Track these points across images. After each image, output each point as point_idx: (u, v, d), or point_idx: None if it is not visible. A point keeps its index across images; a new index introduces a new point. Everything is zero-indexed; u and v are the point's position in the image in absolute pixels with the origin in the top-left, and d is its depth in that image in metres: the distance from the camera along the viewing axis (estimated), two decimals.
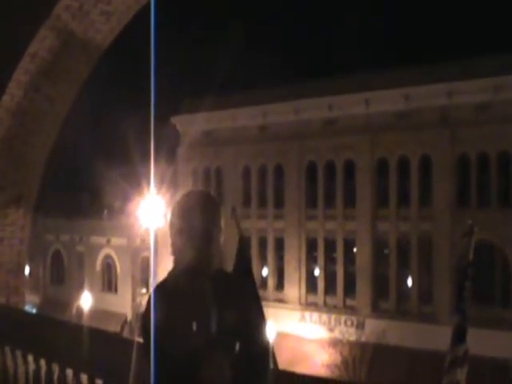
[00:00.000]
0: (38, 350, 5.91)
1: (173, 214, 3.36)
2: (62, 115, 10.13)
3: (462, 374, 4.81)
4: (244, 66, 47.82)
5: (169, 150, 41.65)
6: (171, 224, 3.35)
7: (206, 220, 3.27)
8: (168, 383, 3.09)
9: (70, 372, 5.44)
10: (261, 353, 3.31)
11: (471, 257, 5.15)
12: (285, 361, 25.31)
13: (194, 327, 3.11)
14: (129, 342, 4.63)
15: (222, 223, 3.35)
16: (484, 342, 26.01)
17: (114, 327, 37.55)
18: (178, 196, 3.45)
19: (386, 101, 35.25)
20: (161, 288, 3.33)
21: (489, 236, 29.43)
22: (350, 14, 60.59)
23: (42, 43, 8.48)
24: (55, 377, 5.62)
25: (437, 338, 23.92)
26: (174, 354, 3.08)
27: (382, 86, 34.79)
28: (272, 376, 3.43)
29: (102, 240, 47.78)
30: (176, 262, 3.40)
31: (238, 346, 3.19)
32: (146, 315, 3.25)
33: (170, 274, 3.38)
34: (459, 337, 4.86)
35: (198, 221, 3.25)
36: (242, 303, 3.31)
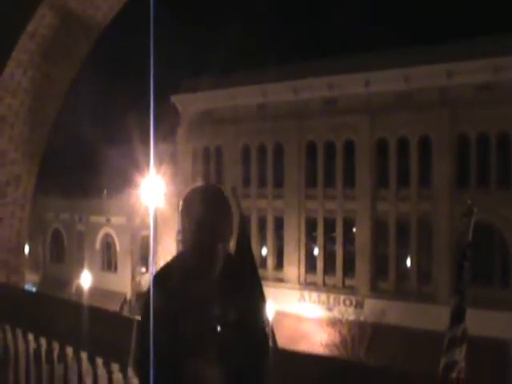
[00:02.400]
0: (38, 328, 5.93)
1: (187, 206, 3.33)
2: (62, 93, 10.10)
3: (460, 353, 4.83)
4: (244, 45, 47.59)
5: (169, 129, 41.59)
6: (183, 215, 3.32)
7: (218, 218, 3.28)
8: (170, 366, 3.10)
9: (70, 350, 5.46)
10: (260, 333, 3.35)
11: (470, 237, 5.14)
12: (284, 339, 25.43)
13: (198, 310, 3.13)
14: (128, 321, 4.64)
15: (232, 222, 3.38)
16: (483, 323, 26.21)
17: (113, 306, 37.63)
18: (192, 188, 3.45)
19: (386, 81, 35.13)
20: (165, 270, 3.36)
21: (488, 217, 29.50)
22: None
23: (41, 22, 8.45)
24: (55, 355, 5.64)
25: (435, 317, 24.05)
26: (178, 336, 3.10)
27: (382, 66, 34.66)
28: (271, 355, 3.46)
29: (102, 219, 47.84)
30: (184, 246, 3.42)
31: (239, 327, 3.20)
32: (148, 296, 3.26)
33: (176, 257, 3.40)
34: (458, 317, 4.88)
35: (209, 219, 3.25)
36: (244, 284, 3.35)
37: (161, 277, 3.35)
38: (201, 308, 3.14)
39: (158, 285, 3.25)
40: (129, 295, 44.70)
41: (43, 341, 5.79)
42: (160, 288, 3.22)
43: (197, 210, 3.27)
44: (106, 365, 5.07)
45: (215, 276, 3.22)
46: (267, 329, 3.46)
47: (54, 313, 5.97)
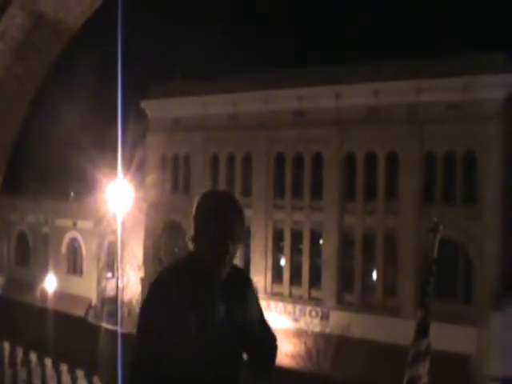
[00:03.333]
0: (1, 332, 5.88)
1: (202, 212, 3.26)
2: (31, 95, 10.02)
3: (423, 367, 4.90)
4: (217, 53, 47.66)
5: (138, 135, 41.39)
6: (197, 219, 3.25)
7: (241, 222, 3.27)
8: (170, 380, 3.06)
9: (34, 356, 5.43)
10: (269, 344, 3.56)
11: (436, 253, 5.22)
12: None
13: (199, 322, 3.09)
14: (94, 328, 4.63)
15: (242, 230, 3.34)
16: (446, 337, 26.47)
17: (78, 311, 37.29)
18: (206, 193, 3.41)
19: (356, 95, 35.40)
20: (167, 274, 3.33)
21: (452, 232, 29.85)
22: (324, 6, 60.68)
23: (12, 21, 8.38)
24: (18, 360, 5.60)
25: (400, 331, 24.20)
26: (177, 349, 3.05)
27: (353, 80, 34.94)
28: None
29: (69, 222, 47.46)
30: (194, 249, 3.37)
31: (245, 341, 3.28)
32: (147, 305, 3.20)
33: (177, 262, 3.39)
34: (422, 331, 4.95)
35: (225, 224, 3.20)
36: (247, 301, 3.37)
37: (163, 281, 3.27)
38: (206, 313, 3.13)
39: (161, 289, 3.20)
40: (94, 300, 44.32)
41: (6, 345, 5.74)
42: (163, 292, 3.16)
43: (213, 214, 3.23)
44: (71, 371, 5.05)
45: (223, 280, 3.20)
46: (275, 340, 3.64)
47: (18, 318, 5.93)
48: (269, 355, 3.61)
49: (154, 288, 3.23)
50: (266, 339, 3.57)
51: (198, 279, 3.17)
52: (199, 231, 3.22)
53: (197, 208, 3.27)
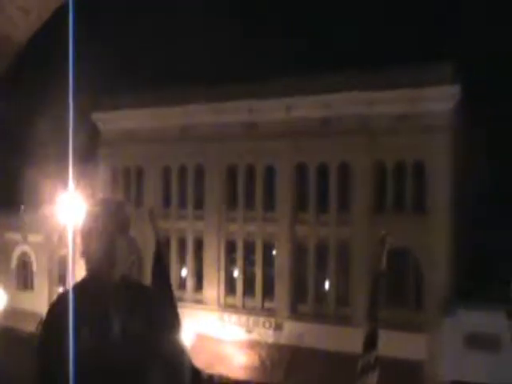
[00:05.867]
0: None
1: (80, 224, 3.35)
2: None
3: (372, 378, 4.99)
4: (168, 64, 47.46)
5: (90, 147, 41.00)
6: (78, 233, 3.33)
7: (109, 229, 3.27)
8: None
9: None
10: (174, 359, 3.31)
11: (383, 266, 5.31)
12: (203, 363, 25.32)
13: (94, 337, 3.09)
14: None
15: (127, 231, 3.36)
16: (398, 344, 26.83)
17: (30, 326, 36.62)
18: (88, 204, 3.43)
19: (308, 107, 35.68)
20: (63, 297, 3.31)
21: (403, 241, 30.26)
22: (272, 15, 61.00)
23: None
24: None
25: (353, 340, 24.34)
26: (77, 364, 3.03)
27: (304, 92, 35.21)
28: (189, 378, 3.45)
29: (18, 236, 46.65)
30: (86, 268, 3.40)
31: (146, 354, 3.16)
32: (42, 329, 3.20)
33: (75, 284, 3.37)
34: (371, 343, 5.03)
35: (99, 230, 3.24)
36: (151, 308, 3.29)
37: (59, 305, 3.27)
38: (98, 336, 3.10)
39: (58, 313, 3.20)
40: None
41: None
42: (59, 317, 3.15)
43: (82, 231, 3.27)
44: None
45: (112, 303, 3.16)
46: (182, 354, 3.41)
47: None
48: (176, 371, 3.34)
49: (49, 311, 3.29)
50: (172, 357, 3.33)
51: (87, 297, 3.18)
52: (82, 242, 3.28)
53: (82, 220, 3.32)
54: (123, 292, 3.24)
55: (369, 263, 31.88)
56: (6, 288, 42.47)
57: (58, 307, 3.29)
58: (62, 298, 3.32)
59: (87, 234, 3.29)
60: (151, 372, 3.14)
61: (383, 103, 33.59)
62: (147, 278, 6.20)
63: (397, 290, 30.99)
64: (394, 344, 24.74)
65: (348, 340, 28.81)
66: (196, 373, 3.48)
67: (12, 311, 39.44)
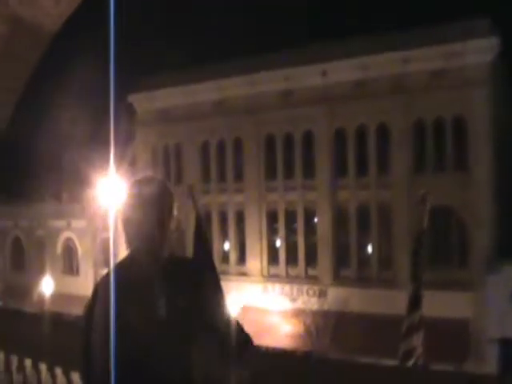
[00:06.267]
0: None
1: (122, 204, 3.33)
2: (13, 102, 9.93)
3: (417, 339, 4.91)
4: (201, 41, 47.43)
5: (128, 129, 41.28)
6: (120, 213, 3.32)
7: (154, 208, 3.27)
8: (118, 373, 3.03)
9: (28, 362, 5.39)
10: (222, 332, 3.31)
11: (425, 225, 5.22)
12: (249, 334, 25.50)
13: (143, 314, 3.08)
14: None
15: (173, 209, 3.35)
16: (443, 304, 26.65)
17: (76, 310, 37.16)
18: (129, 183, 3.41)
19: (343, 71, 35.30)
20: (107, 277, 3.30)
21: (446, 200, 29.93)
22: None
23: None
24: (13, 367, 5.56)
25: (397, 302, 24.26)
26: (123, 343, 3.04)
27: (338, 56, 34.85)
28: (246, 350, 3.45)
29: (62, 223, 47.39)
30: (128, 249, 3.39)
31: (195, 329, 3.18)
32: (91, 305, 3.21)
33: (119, 262, 3.36)
34: (415, 304, 4.95)
35: (143, 210, 3.23)
36: (196, 285, 3.29)
37: (105, 283, 3.27)
38: (148, 313, 3.10)
39: (104, 290, 3.20)
40: None
41: (1, 354, 5.70)
42: (105, 293, 3.16)
43: (123, 214, 3.25)
44: (66, 374, 5.01)
45: (157, 281, 3.16)
46: (229, 327, 3.41)
47: (12, 325, 5.88)
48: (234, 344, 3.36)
49: (94, 289, 3.29)
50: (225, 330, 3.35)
51: (134, 274, 3.18)
52: (127, 222, 3.26)
53: (123, 200, 3.29)
54: (171, 267, 3.25)
55: (410, 225, 31.68)
56: (52, 274, 43.26)
57: (102, 286, 3.29)
58: (108, 276, 3.33)
59: (132, 215, 3.27)
60: (203, 343, 3.16)
61: (420, 61, 33.00)
62: (189, 253, 6.20)
63: (440, 250, 30.70)
64: (439, 303, 24.58)
65: (392, 302, 28.70)
66: (247, 339, 3.49)
67: (59, 296, 40.16)
